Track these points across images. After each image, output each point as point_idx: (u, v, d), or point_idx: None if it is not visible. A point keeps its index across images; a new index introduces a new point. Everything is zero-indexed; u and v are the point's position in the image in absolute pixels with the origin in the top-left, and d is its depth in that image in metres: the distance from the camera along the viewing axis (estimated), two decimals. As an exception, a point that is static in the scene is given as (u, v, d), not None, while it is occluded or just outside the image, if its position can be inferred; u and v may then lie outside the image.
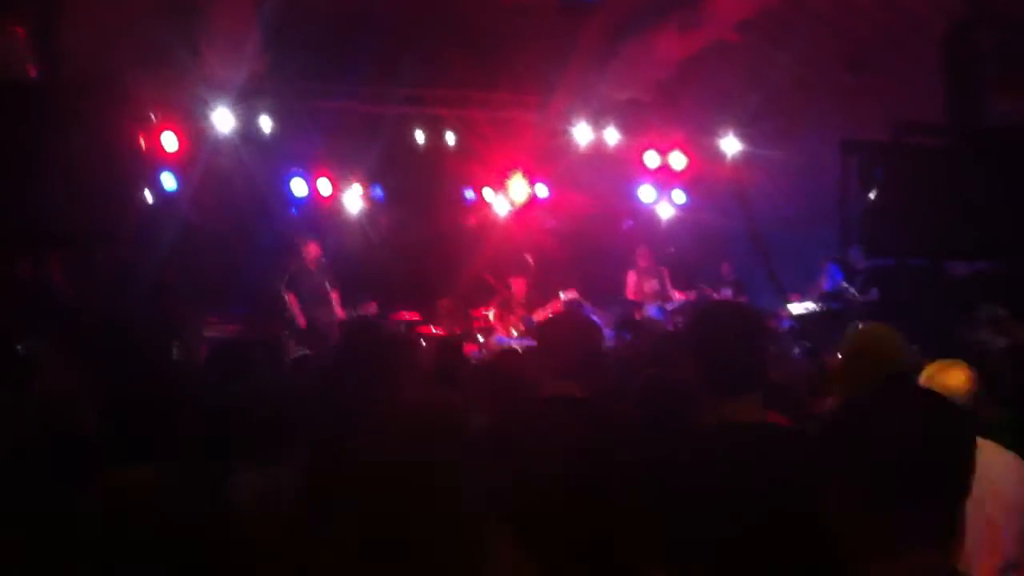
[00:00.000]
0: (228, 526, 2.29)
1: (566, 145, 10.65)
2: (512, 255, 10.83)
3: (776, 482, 2.09)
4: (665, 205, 11.55)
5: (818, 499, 1.76)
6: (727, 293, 10.77)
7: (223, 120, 9.28)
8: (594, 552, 2.37)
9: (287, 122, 9.80)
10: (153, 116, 9.08)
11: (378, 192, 11.00)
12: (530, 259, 10.67)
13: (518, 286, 10.24)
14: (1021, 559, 2.70)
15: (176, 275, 9.05)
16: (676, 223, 11.61)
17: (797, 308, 10.30)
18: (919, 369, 3.21)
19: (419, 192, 11.35)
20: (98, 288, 8.49)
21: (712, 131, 10.68)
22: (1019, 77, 7.83)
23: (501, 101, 10.61)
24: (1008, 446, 2.87)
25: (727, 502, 2.09)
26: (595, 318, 5.32)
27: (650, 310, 10.28)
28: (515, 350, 5.48)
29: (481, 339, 9.98)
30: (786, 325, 10.23)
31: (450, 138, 10.75)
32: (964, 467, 1.49)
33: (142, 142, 9.05)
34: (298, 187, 10.29)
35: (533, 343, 4.26)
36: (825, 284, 10.42)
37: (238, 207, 10.09)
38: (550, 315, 8.19)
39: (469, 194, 11.53)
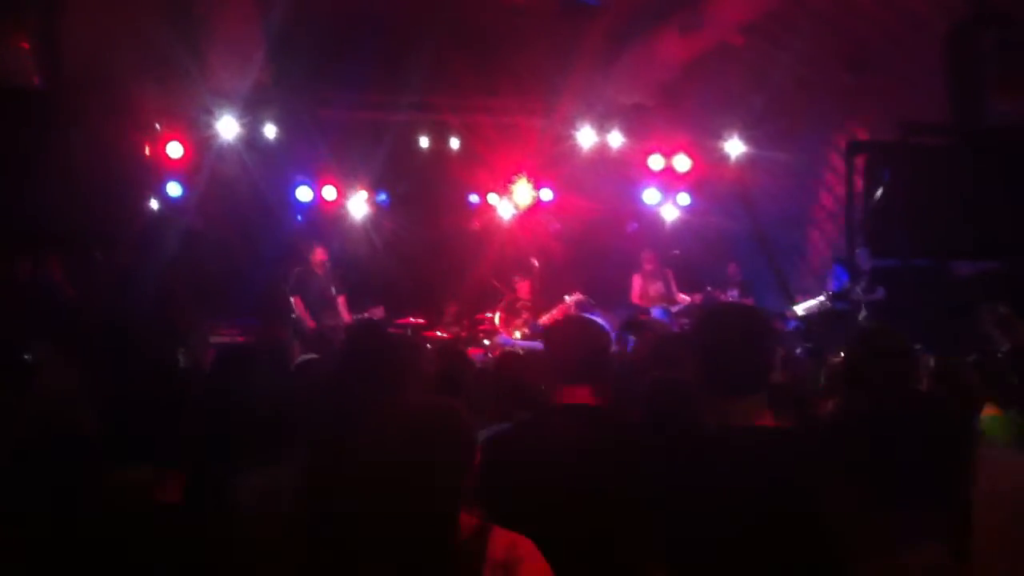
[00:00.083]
0: (229, 526, 2.30)
1: (570, 149, 10.65)
2: (517, 259, 10.83)
3: (776, 483, 2.10)
4: (670, 208, 11.52)
5: (818, 499, 1.77)
6: (734, 294, 10.74)
7: (228, 128, 9.33)
8: (595, 552, 2.37)
9: (291, 129, 9.84)
10: (158, 125, 9.15)
11: (383, 198, 11.03)
12: (535, 263, 10.67)
13: (523, 290, 10.23)
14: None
15: (182, 282, 9.08)
16: (681, 226, 11.58)
17: (802, 308, 10.27)
18: (922, 369, 3.21)
19: (424, 197, 11.38)
20: (98, 289, 8.52)
21: (716, 133, 10.67)
22: (1019, 77, 7.82)
23: (505, 106, 10.62)
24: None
25: (727, 503, 2.10)
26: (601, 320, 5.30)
27: (655, 312, 10.25)
28: (516, 352, 5.46)
29: (487, 343, 9.97)
30: (792, 326, 10.20)
31: (454, 143, 10.78)
32: (964, 467, 1.50)
33: (147, 150, 9.11)
34: (303, 194, 10.34)
35: (537, 345, 4.26)
36: (831, 285, 10.40)
37: (243, 214, 10.14)
38: (557, 318, 8.17)
39: (474, 199, 11.53)
